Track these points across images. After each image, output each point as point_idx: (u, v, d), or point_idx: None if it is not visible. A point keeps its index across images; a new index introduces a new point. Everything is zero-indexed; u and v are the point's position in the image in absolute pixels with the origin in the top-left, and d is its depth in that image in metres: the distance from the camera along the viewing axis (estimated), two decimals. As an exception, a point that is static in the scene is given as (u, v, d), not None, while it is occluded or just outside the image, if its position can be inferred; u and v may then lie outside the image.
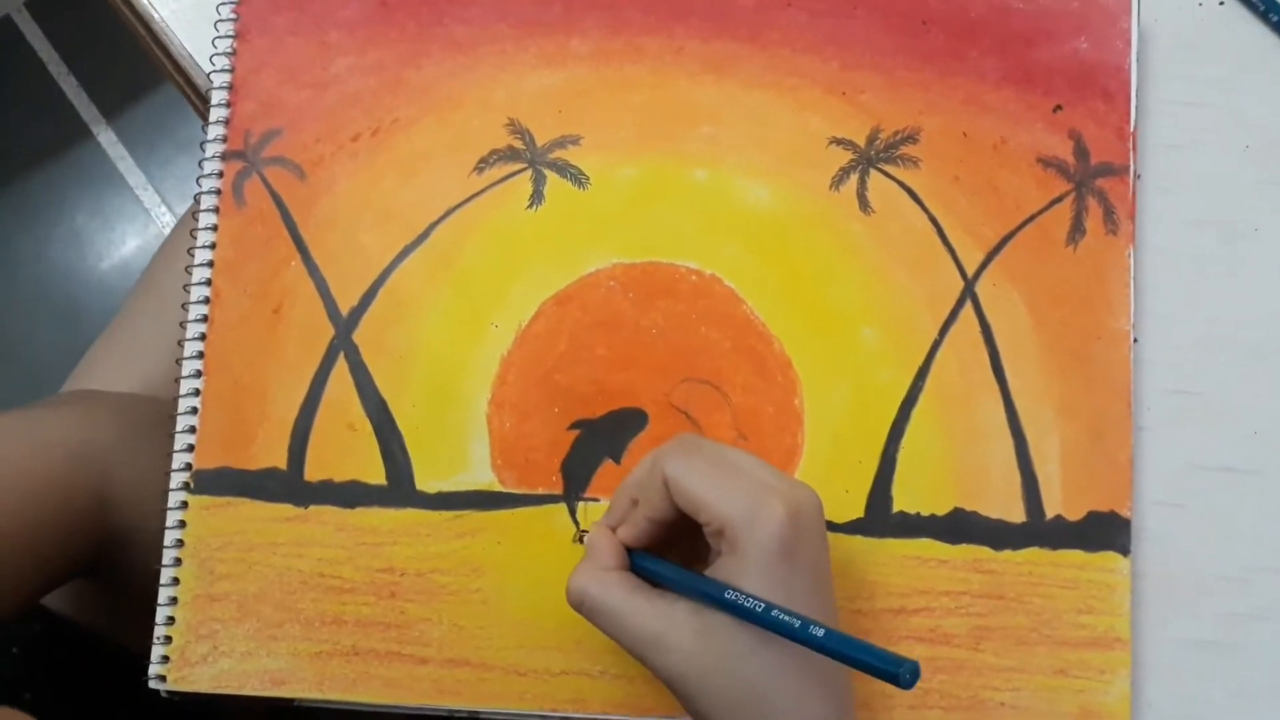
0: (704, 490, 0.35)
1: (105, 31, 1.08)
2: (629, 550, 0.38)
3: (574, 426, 0.43)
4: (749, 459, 0.36)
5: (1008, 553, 0.43)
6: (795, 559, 0.34)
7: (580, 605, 0.37)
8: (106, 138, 1.11)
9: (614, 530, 0.38)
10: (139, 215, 1.13)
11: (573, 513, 0.43)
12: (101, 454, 0.47)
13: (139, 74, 1.08)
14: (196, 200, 0.44)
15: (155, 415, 0.44)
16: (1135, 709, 0.43)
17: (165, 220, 1.15)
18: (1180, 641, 0.45)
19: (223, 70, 0.45)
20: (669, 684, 0.35)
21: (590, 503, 0.43)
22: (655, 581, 0.37)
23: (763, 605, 0.33)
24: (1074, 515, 0.43)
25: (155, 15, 0.46)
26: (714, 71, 0.45)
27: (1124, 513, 0.43)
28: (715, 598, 0.35)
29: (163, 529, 0.42)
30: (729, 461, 0.36)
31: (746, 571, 0.34)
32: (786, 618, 0.33)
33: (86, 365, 0.58)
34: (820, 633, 0.32)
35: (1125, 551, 0.43)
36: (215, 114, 0.44)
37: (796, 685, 0.34)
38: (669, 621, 0.35)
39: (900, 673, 0.31)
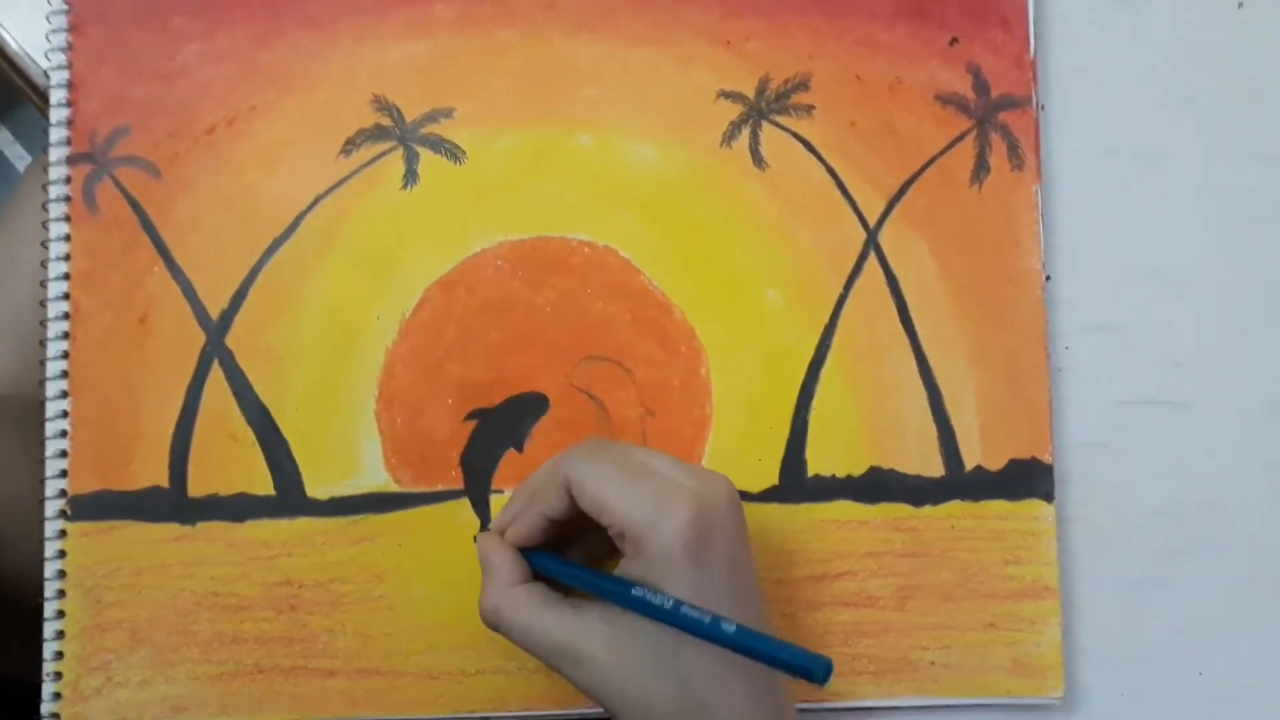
0: (607, 492, 0.33)
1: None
2: (526, 552, 0.36)
3: (471, 417, 0.41)
4: (659, 458, 0.35)
5: (928, 508, 0.42)
6: (703, 560, 0.32)
7: (495, 626, 0.36)
8: (2, 137, 1.07)
9: (503, 533, 0.37)
10: (47, 218, 1.09)
11: (478, 507, 0.41)
12: None
13: (31, 70, 1.03)
14: (44, 208, 0.41)
15: (20, 410, 0.42)
16: (1070, 655, 0.43)
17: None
18: (1113, 582, 0.44)
19: (59, 67, 0.41)
20: (587, 695, 0.34)
21: (498, 494, 0.41)
22: (560, 583, 0.36)
23: (671, 602, 0.32)
24: (994, 465, 0.42)
25: (9, 39, 0.43)
26: (590, 29, 0.43)
27: (1045, 458, 0.42)
28: (621, 595, 0.33)
29: (18, 531, 0.40)
30: (635, 461, 0.34)
31: (652, 576, 0.33)
32: (695, 614, 0.31)
33: None
34: (731, 629, 0.31)
35: (1049, 498, 0.42)
36: (56, 114, 0.41)
37: (720, 686, 0.33)
38: (581, 633, 0.34)
39: (814, 669, 0.30)
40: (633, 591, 0.32)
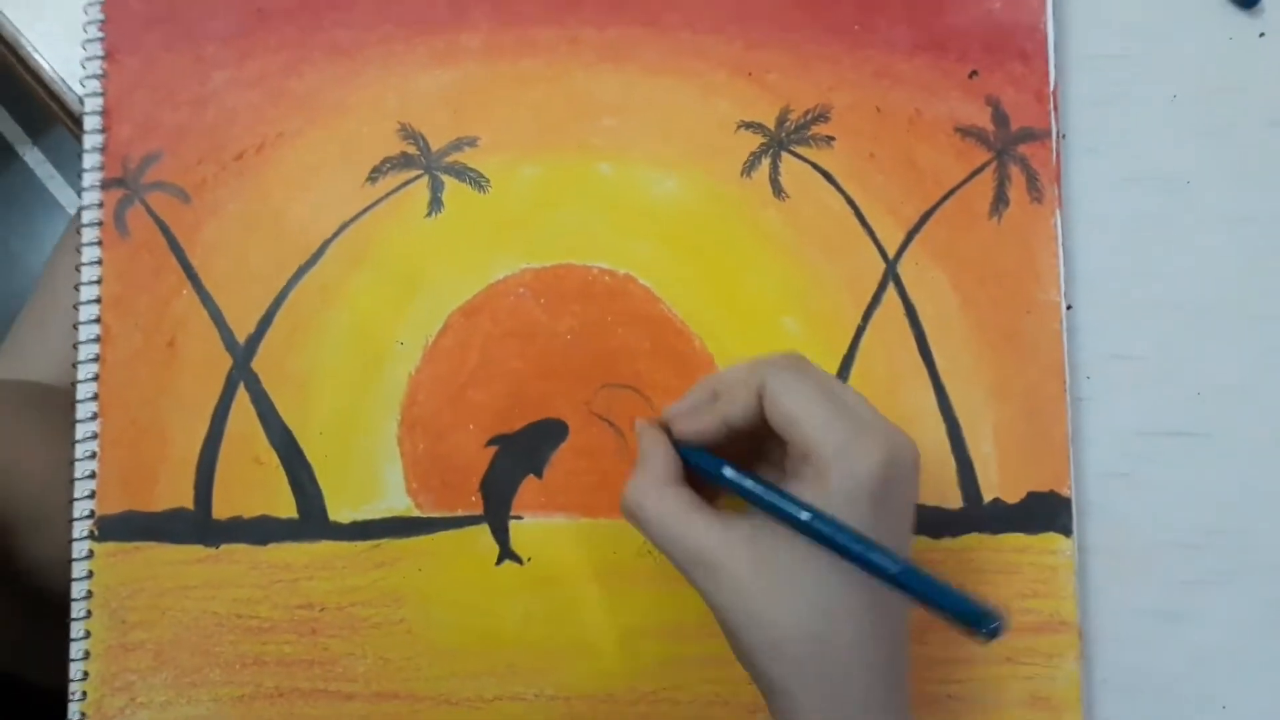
0: (804, 410, 0.32)
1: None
2: (684, 451, 0.35)
3: (491, 443, 0.42)
4: (856, 396, 0.34)
5: (947, 540, 0.42)
6: (883, 504, 0.31)
7: (634, 518, 0.34)
8: (33, 157, 1.08)
9: (669, 426, 0.36)
10: (76, 234, 1.10)
11: (497, 532, 0.41)
12: (2, 438, 0.45)
13: (62, 88, 1.05)
14: (77, 233, 0.42)
15: (59, 402, 0.42)
16: (1089, 686, 0.42)
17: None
18: (1133, 613, 0.44)
19: (94, 94, 0.42)
20: (717, 612, 0.33)
21: (517, 520, 0.42)
22: (707, 484, 0.35)
23: (857, 540, 0.31)
24: (1012, 498, 0.42)
25: (22, 39, 0.44)
26: (612, 60, 0.43)
27: (1063, 492, 0.42)
28: (792, 516, 0.31)
29: (66, 519, 0.41)
30: (835, 392, 0.33)
31: (829, 505, 0.31)
32: (882, 559, 0.30)
33: None
34: (897, 568, 0.30)
35: (1067, 532, 0.42)
36: (90, 140, 0.42)
37: (856, 631, 0.31)
38: (726, 548, 0.32)
39: (981, 625, 0.29)
40: (804, 516, 0.31)
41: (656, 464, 0.35)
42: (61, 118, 0.45)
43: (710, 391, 0.36)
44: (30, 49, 0.44)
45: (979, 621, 0.29)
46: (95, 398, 0.41)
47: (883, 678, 0.32)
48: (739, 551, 0.32)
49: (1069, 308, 0.44)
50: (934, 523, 0.42)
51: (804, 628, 0.31)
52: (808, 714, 0.31)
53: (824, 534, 0.31)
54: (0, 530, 0.44)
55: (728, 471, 0.34)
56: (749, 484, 0.33)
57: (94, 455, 0.41)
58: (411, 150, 0.43)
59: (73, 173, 1.11)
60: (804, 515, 0.31)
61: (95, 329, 0.42)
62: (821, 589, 0.31)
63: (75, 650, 0.40)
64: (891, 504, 0.32)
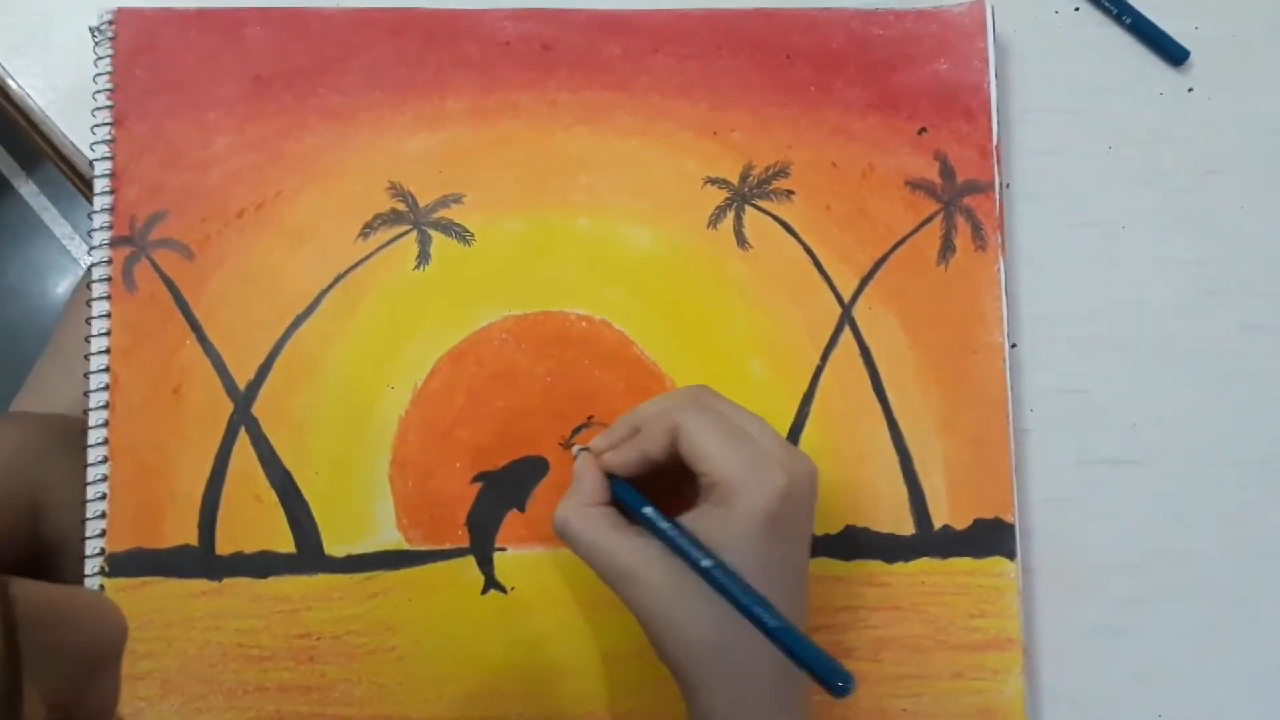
0: (708, 446, 0.36)
1: (17, 83, 1.07)
2: (612, 477, 0.40)
3: (476, 480, 0.45)
4: (757, 424, 0.38)
5: (900, 565, 0.45)
6: (780, 531, 0.36)
7: (563, 535, 0.39)
8: (28, 189, 1.10)
9: (601, 455, 0.40)
10: (69, 266, 1.12)
11: (483, 564, 0.44)
12: (35, 463, 0.48)
13: (55, 123, 1.07)
14: (88, 288, 0.45)
15: (82, 431, 0.45)
16: (1037, 700, 0.46)
17: (98, 265, 1.14)
18: (1077, 630, 0.47)
19: (104, 158, 0.45)
20: (638, 617, 0.37)
21: (501, 552, 0.45)
22: (632, 514, 0.39)
23: (745, 593, 0.35)
24: (961, 524, 0.45)
25: (33, 105, 0.47)
26: (588, 122, 0.46)
27: (1008, 518, 0.45)
28: (694, 562, 0.36)
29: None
30: (738, 426, 0.37)
31: (731, 532, 0.36)
32: (763, 613, 0.34)
33: (18, 402, 0.59)
34: (774, 624, 0.34)
35: (1012, 555, 0.45)
36: (100, 202, 0.45)
37: (752, 637, 0.35)
38: (643, 560, 0.37)
39: (833, 682, 0.33)
40: (703, 564, 0.35)
41: (584, 487, 0.39)
42: (49, 154, 0.48)
43: (631, 427, 0.40)
44: (17, 87, 0.47)
45: (832, 679, 0.33)
46: (105, 442, 0.44)
47: (784, 679, 0.36)
48: (654, 566, 0.37)
49: (1013, 346, 0.47)
50: (888, 548, 0.45)
51: (709, 634, 0.36)
52: (716, 706, 0.36)
53: (719, 582, 0.35)
54: (49, 553, 0.46)
55: (646, 510, 0.38)
56: (663, 525, 0.37)
57: (104, 496, 0.44)
58: (401, 207, 0.46)
59: (67, 205, 1.13)
60: (705, 563, 0.35)
61: (105, 378, 0.44)
62: (720, 603, 0.36)
63: (88, 679, 0.43)
64: (791, 522, 0.36)
